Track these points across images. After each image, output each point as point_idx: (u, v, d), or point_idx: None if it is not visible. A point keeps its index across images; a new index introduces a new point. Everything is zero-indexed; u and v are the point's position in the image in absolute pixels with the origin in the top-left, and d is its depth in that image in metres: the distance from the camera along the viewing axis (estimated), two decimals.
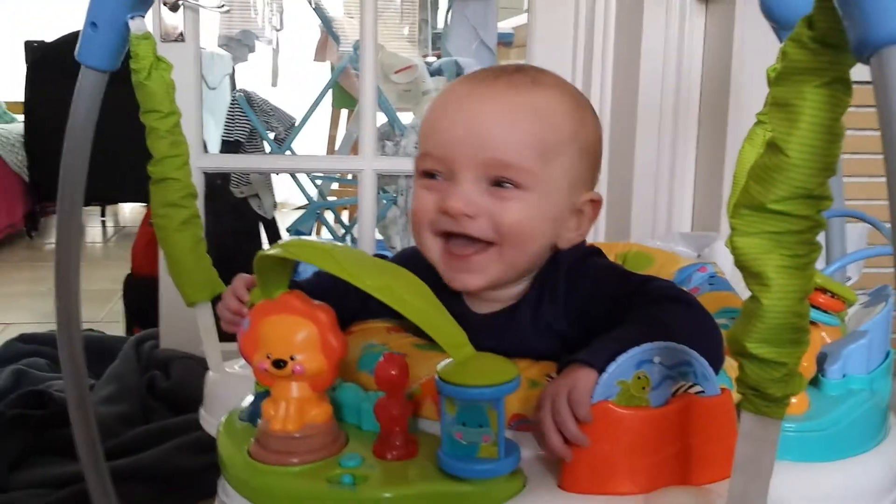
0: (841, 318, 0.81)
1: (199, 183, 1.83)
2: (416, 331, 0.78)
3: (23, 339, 2.12)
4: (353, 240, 2.80)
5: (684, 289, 0.87)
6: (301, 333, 0.62)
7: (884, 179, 0.41)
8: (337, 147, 3.34)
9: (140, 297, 2.25)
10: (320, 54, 3.70)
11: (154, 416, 1.70)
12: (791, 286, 0.49)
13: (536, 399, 0.65)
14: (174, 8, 1.88)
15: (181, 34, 1.89)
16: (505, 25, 3.44)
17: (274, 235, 3.05)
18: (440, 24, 3.62)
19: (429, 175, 0.77)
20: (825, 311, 0.79)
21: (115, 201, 4.60)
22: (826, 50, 0.45)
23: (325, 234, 3.19)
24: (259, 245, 2.94)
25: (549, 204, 0.75)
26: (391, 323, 0.85)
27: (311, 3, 3.24)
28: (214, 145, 2.87)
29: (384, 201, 2.75)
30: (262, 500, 0.65)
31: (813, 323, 0.76)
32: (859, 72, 0.45)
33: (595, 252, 0.83)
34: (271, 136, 3.03)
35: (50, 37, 3.92)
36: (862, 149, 1.51)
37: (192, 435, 1.52)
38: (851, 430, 0.72)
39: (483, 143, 0.73)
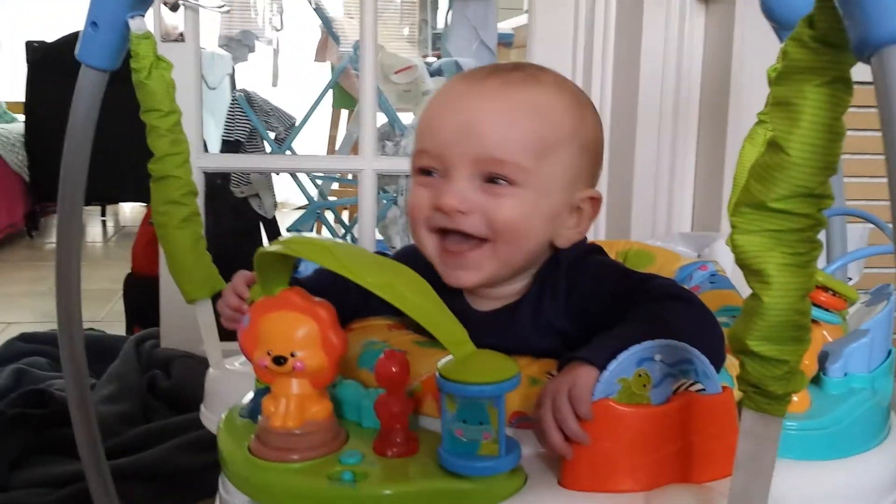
0: (842, 316, 0.81)
1: (199, 183, 1.83)
2: (417, 328, 0.78)
3: (23, 338, 2.12)
4: (354, 240, 2.80)
5: (685, 287, 0.87)
6: (302, 330, 0.62)
7: (884, 180, 0.41)
8: (337, 147, 3.34)
9: (140, 297, 2.25)
10: (320, 54, 3.70)
11: (154, 416, 1.70)
12: (792, 283, 0.49)
13: (537, 397, 0.64)
14: (174, 8, 1.88)
15: (181, 34, 1.89)
16: (505, 26, 3.44)
17: (274, 235, 3.05)
18: (440, 25, 3.62)
19: (425, 172, 0.77)
20: (826, 310, 0.79)
21: (116, 201, 4.60)
22: (827, 49, 0.45)
23: (326, 234, 3.19)
24: (259, 245, 2.92)
25: (544, 201, 0.75)
26: (392, 320, 0.85)
27: (311, 4, 3.24)
28: (214, 145, 2.87)
29: (384, 201, 2.75)
30: (262, 497, 0.64)
31: (814, 321, 0.76)
32: (859, 72, 0.45)
33: (596, 250, 0.83)
34: (271, 135, 3.03)
35: (50, 37, 3.92)
36: (862, 150, 1.52)
37: (193, 434, 1.52)
38: (853, 428, 0.72)
39: (476, 139, 0.73)
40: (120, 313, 2.44)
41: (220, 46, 3.40)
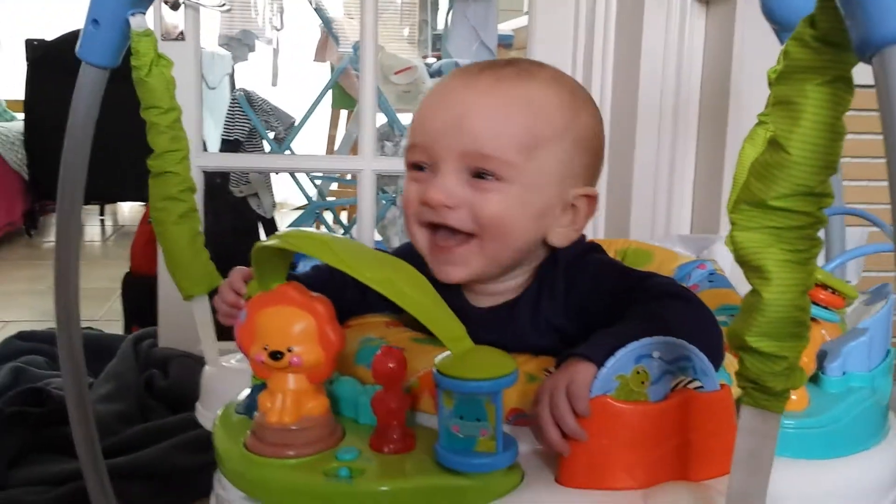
0: (841, 314, 0.81)
1: (198, 182, 1.82)
2: (415, 326, 0.77)
3: (21, 336, 2.11)
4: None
5: (684, 285, 0.87)
6: (299, 325, 0.62)
7: (883, 183, 0.41)
8: (336, 147, 3.34)
9: (138, 296, 2.25)
10: (320, 54, 3.71)
11: (152, 415, 1.70)
12: (792, 280, 0.49)
13: (534, 393, 0.64)
14: (175, 6, 1.88)
15: (181, 33, 1.89)
16: (505, 27, 3.45)
17: None
18: (440, 26, 3.63)
19: (416, 167, 0.77)
20: (825, 308, 0.79)
21: (115, 200, 4.60)
22: (828, 48, 0.45)
23: None
24: None
25: (533, 197, 0.74)
26: (389, 318, 0.84)
27: (311, 4, 3.25)
28: (214, 144, 2.87)
29: (383, 202, 2.75)
30: (258, 493, 0.64)
31: (813, 319, 0.76)
32: (859, 75, 0.45)
33: (595, 248, 0.82)
34: (271, 135, 3.03)
35: (50, 35, 3.92)
36: (862, 153, 1.52)
37: (190, 433, 1.52)
38: (851, 427, 0.72)
39: (464, 134, 0.73)
40: (118, 312, 2.44)
41: (221, 46, 3.41)
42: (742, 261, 0.51)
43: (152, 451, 1.50)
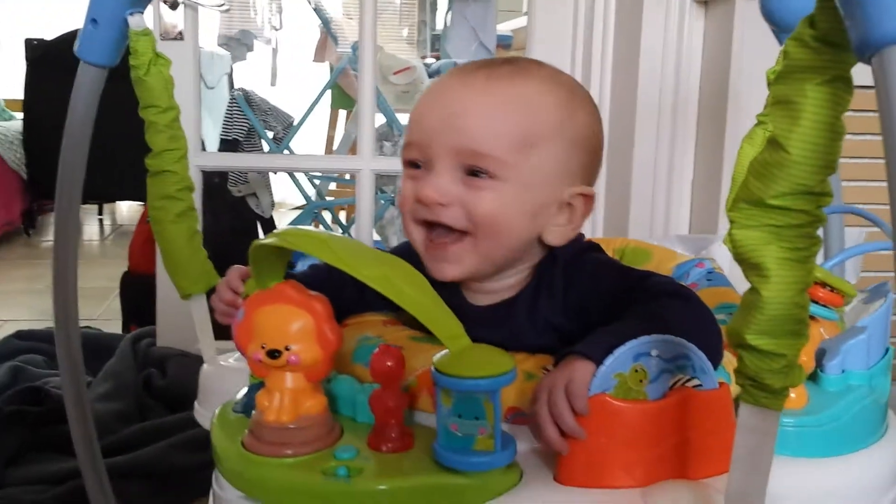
0: (840, 313, 0.81)
1: (196, 181, 1.82)
2: (413, 324, 0.77)
3: (20, 335, 2.12)
4: None
5: (683, 284, 0.87)
6: (296, 323, 0.62)
7: (882, 184, 0.41)
8: (335, 147, 3.34)
9: (137, 295, 2.25)
10: (319, 54, 3.70)
11: (150, 414, 1.70)
12: (791, 277, 0.49)
13: (533, 392, 0.64)
14: (173, 6, 1.88)
15: (180, 33, 1.89)
16: (504, 28, 3.45)
17: None
18: (439, 26, 3.63)
19: (412, 165, 0.77)
20: (824, 306, 0.79)
21: (113, 199, 4.60)
22: (827, 48, 0.45)
23: None
24: None
25: (526, 195, 0.74)
26: (388, 316, 0.84)
27: (310, 4, 3.25)
28: (213, 144, 2.87)
29: (382, 201, 2.75)
30: (256, 492, 0.64)
31: (812, 318, 0.76)
32: (858, 76, 0.45)
33: (593, 247, 0.82)
34: (269, 135, 3.03)
35: (50, 35, 3.92)
36: (861, 153, 1.52)
37: (188, 433, 1.52)
38: (850, 426, 0.72)
39: (458, 132, 0.73)
40: (116, 311, 2.44)
41: (219, 45, 3.41)
42: (741, 259, 0.51)
43: (151, 450, 1.50)
